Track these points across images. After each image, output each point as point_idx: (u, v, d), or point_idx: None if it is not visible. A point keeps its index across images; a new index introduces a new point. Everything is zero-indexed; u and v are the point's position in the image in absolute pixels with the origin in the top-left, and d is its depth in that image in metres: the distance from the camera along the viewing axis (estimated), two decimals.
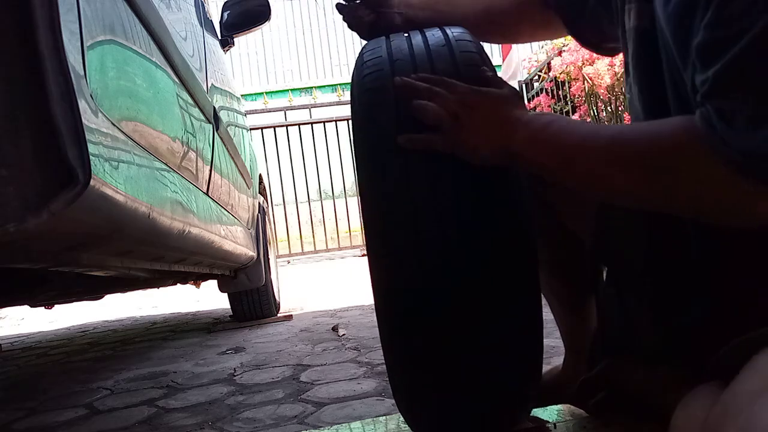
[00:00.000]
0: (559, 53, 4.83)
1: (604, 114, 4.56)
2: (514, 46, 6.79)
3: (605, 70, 4.15)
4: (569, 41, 4.53)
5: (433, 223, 0.76)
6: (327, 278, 4.84)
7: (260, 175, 3.31)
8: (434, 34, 0.87)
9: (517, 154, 0.74)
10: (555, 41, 5.24)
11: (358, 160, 0.83)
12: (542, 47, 5.64)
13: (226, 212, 1.90)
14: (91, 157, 0.71)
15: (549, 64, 5.17)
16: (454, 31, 0.86)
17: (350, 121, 0.91)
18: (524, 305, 0.79)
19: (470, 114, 0.76)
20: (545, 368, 1.10)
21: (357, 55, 0.89)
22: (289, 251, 6.59)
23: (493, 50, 11.14)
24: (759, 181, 0.55)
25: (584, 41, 0.97)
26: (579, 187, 0.76)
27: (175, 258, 1.49)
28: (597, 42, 0.95)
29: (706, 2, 0.57)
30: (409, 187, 0.77)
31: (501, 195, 0.78)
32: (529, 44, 7.09)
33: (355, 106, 0.85)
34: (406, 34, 0.89)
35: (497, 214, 0.77)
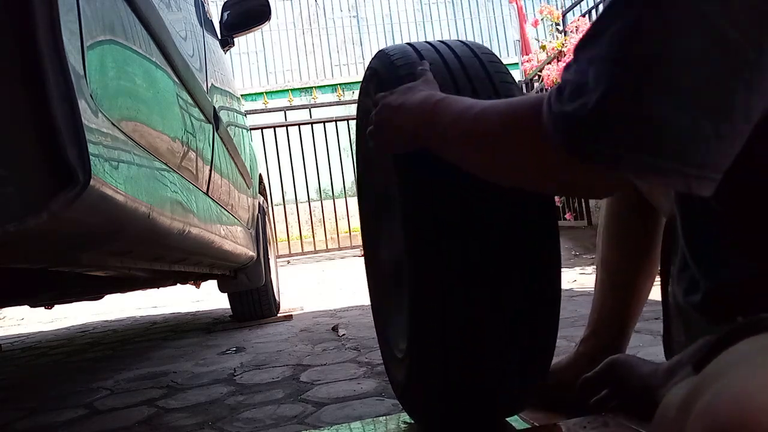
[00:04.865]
0: (557, 59, 4.82)
1: None
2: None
3: None
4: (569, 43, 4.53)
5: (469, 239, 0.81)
6: (327, 278, 4.84)
7: (260, 175, 3.30)
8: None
9: (414, 135, 0.78)
10: (554, 43, 5.24)
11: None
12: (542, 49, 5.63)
13: (226, 212, 1.90)
14: (91, 157, 0.71)
15: (541, 72, 5.16)
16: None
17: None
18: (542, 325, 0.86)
19: (380, 117, 0.83)
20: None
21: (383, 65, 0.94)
22: (289, 251, 6.58)
23: (509, 50, 11.16)
24: (563, 145, 0.58)
25: None
26: (459, 165, 0.76)
27: (175, 258, 1.48)
28: None
29: None
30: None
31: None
32: (529, 43, 7.10)
33: None
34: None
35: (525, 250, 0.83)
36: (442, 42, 0.94)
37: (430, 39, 9.13)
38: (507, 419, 1.03)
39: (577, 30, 4.64)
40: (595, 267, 1.17)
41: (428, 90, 0.81)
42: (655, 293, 1.04)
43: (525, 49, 7.01)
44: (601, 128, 0.55)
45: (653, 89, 0.53)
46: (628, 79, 0.55)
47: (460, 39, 0.97)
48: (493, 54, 0.92)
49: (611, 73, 0.55)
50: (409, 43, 0.95)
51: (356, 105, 1.11)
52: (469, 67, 0.87)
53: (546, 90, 5.47)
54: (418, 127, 0.77)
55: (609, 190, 0.74)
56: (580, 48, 0.60)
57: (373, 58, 0.97)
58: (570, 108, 0.57)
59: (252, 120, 5.75)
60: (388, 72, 0.90)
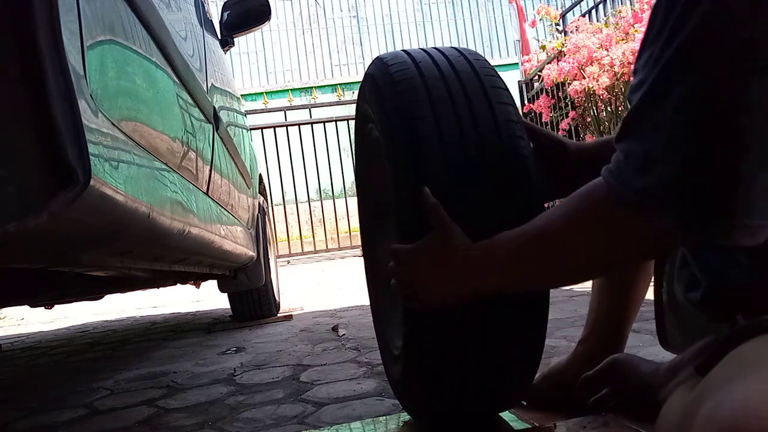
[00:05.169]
0: (557, 59, 4.82)
1: (604, 114, 4.55)
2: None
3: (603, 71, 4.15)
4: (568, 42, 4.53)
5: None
6: (327, 278, 4.84)
7: (260, 175, 3.31)
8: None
9: (475, 290, 0.77)
10: (554, 43, 5.24)
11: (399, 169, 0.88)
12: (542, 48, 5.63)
13: (226, 212, 1.90)
14: (91, 157, 0.71)
15: (541, 72, 5.17)
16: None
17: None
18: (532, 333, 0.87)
19: (420, 277, 0.80)
20: (550, 364, 1.11)
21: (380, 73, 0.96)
22: (289, 251, 6.59)
23: (509, 50, 11.16)
24: (646, 217, 0.58)
25: None
26: (536, 286, 0.77)
27: (175, 258, 1.48)
28: None
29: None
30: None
31: None
32: (529, 43, 7.10)
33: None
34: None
35: None
36: (435, 48, 0.97)
37: (429, 39, 9.13)
38: (507, 421, 1.03)
39: (577, 30, 4.64)
40: None
41: (458, 239, 0.78)
42: (653, 293, 1.04)
43: (525, 49, 7.01)
44: (685, 199, 0.55)
45: (732, 153, 0.53)
46: (704, 146, 0.54)
47: (453, 45, 1.00)
48: (484, 59, 0.95)
49: (684, 141, 0.54)
50: (404, 50, 0.98)
51: (355, 108, 1.13)
52: (461, 72, 0.90)
53: (546, 90, 5.49)
54: (477, 284, 0.76)
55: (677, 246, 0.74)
56: (636, 115, 0.59)
57: (370, 65, 1.01)
58: (645, 181, 0.57)
59: (252, 120, 5.75)
60: (383, 78, 0.93)
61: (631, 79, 0.62)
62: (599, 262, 0.69)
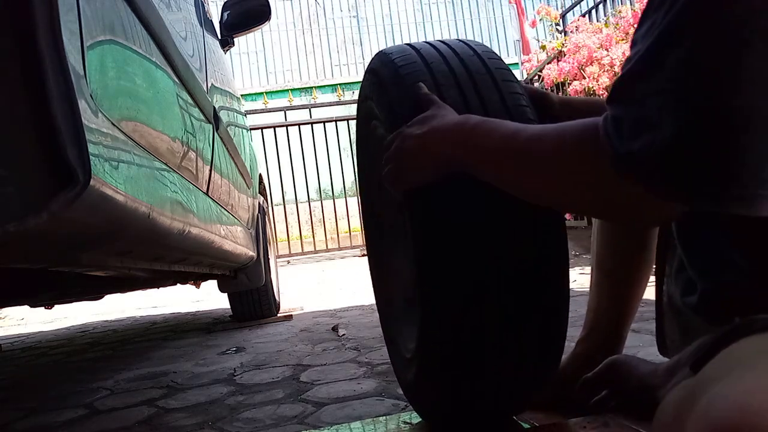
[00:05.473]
0: (557, 59, 4.82)
1: None
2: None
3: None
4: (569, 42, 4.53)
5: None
6: (327, 278, 4.84)
7: (260, 175, 3.30)
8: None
9: (452, 158, 0.77)
10: (554, 43, 5.24)
11: None
12: (542, 48, 5.63)
13: (226, 212, 1.90)
14: (91, 157, 0.71)
15: (541, 72, 5.16)
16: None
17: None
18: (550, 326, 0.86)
19: (402, 149, 0.81)
20: None
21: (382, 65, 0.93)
22: (289, 251, 6.58)
23: (509, 50, 11.16)
24: (640, 183, 0.58)
25: None
26: (502, 187, 0.77)
27: (175, 258, 1.48)
28: None
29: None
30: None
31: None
32: (529, 43, 7.10)
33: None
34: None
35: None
36: (441, 41, 0.94)
37: (430, 39, 9.20)
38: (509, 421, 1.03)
39: (577, 30, 4.64)
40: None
41: (450, 114, 0.79)
42: (651, 293, 1.04)
43: (525, 49, 7.02)
44: (680, 165, 0.55)
45: (727, 120, 0.53)
46: (699, 112, 0.54)
47: (459, 38, 0.97)
48: (493, 51, 0.92)
49: (679, 107, 0.54)
50: (408, 44, 0.95)
51: (356, 107, 1.10)
52: (471, 65, 0.87)
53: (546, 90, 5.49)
54: (456, 149, 0.76)
55: (661, 220, 0.74)
56: (630, 79, 0.59)
57: (372, 60, 0.97)
58: (638, 145, 0.57)
59: (252, 120, 5.75)
60: (389, 72, 0.90)
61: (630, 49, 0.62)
62: (574, 206, 0.76)
